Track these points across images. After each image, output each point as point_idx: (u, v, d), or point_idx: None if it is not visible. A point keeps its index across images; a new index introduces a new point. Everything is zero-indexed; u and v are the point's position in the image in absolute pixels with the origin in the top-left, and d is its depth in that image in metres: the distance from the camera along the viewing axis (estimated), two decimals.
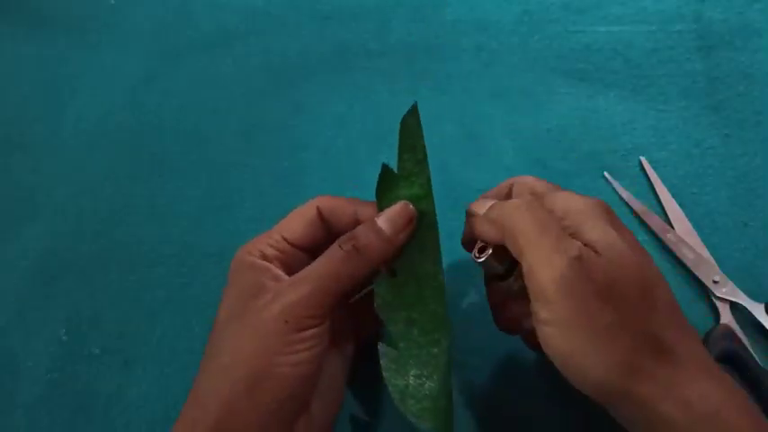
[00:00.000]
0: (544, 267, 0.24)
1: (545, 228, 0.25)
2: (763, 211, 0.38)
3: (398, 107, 0.43)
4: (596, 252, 0.24)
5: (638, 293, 0.24)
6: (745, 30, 0.44)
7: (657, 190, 0.38)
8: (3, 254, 0.39)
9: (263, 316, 0.25)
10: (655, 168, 0.39)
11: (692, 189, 0.39)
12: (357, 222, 0.29)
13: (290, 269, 0.28)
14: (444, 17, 0.46)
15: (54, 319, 0.37)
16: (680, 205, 0.38)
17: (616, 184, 0.39)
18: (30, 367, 0.35)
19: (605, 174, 0.39)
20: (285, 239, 0.29)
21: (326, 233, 0.30)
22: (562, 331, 0.23)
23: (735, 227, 0.37)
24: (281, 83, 0.44)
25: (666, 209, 0.38)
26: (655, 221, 0.37)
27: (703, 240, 0.36)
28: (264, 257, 0.28)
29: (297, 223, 0.29)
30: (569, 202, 0.26)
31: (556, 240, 0.24)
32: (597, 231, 0.25)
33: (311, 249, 0.29)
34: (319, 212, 0.29)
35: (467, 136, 0.42)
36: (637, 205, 0.38)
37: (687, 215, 0.37)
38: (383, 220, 0.28)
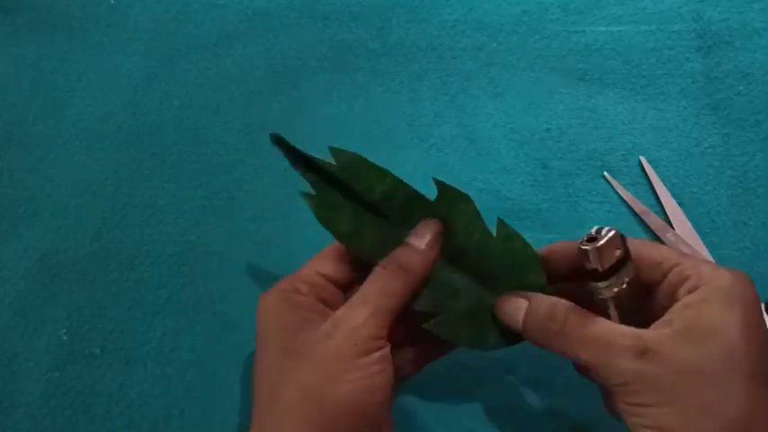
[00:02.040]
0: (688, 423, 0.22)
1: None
2: (763, 211, 0.38)
3: (398, 107, 0.43)
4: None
5: None
6: (744, 29, 0.44)
7: (657, 189, 0.39)
8: (3, 254, 0.39)
9: (327, 345, 0.25)
10: (654, 168, 0.39)
11: (691, 188, 0.39)
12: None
13: (328, 304, 0.28)
14: (444, 17, 0.46)
15: (54, 318, 0.37)
16: (679, 205, 0.38)
17: (616, 184, 0.39)
18: (30, 367, 0.36)
19: (605, 173, 0.40)
20: (320, 274, 0.29)
21: (357, 270, 0.29)
22: None
23: (734, 226, 0.37)
24: (281, 83, 0.44)
25: (666, 208, 0.38)
26: (654, 221, 0.37)
27: (703, 240, 0.37)
28: (299, 293, 0.28)
29: (329, 258, 0.29)
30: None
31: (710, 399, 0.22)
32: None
33: (344, 284, 0.29)
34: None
35: (466, 136, 0.42)
36: (636, 205, 0.38)
37: (687, 215, 0.37)
38: (414, 239, 0.28)
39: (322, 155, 0.43)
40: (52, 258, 0.39)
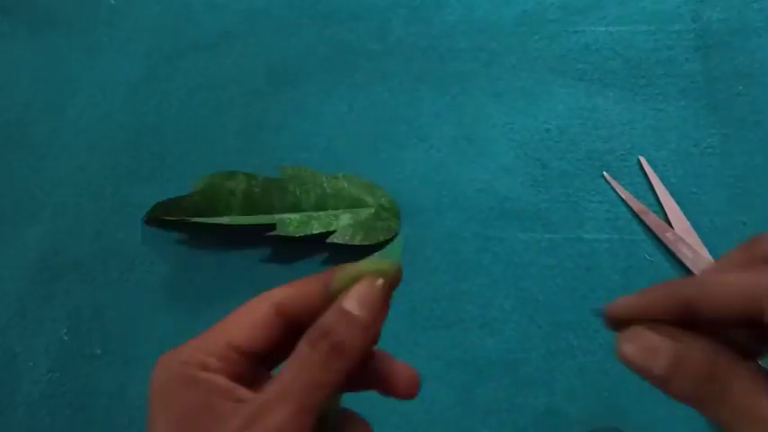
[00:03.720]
0: None
1: None
2: (762, 211, 0.38)
3: (398, 107, 0.43)
4: None
5: None
6: (743, 29, 0.44)
7: (656, 189, 0.39)
8: (3, 254, 0.39)
9: None
10: (653, 168, 0.39)
11: (690, 188, 0.39)
12: (328, 303, 0.23)
13: (240, 381, 0.22)
14: (444, 17, 0.46)
15: (54, 318, 0.37)
16: (679, 204, 0.38)
17: (615, 184, 0.39)
18: (30, 367, 0.36)
19: (604, 173, 0.40)
20: (231, 345, 0.23)
21: (285, 330, 0.23)
22: None
23: (733, 226, 0.37)
24: (281, 83, 0.44)
25: (665, 208, 0.38)
26: (653, 221, 0.37)
27: (702, 239, 0.37)
28: (206, 369, 0.22)
29: (246, 326, 0.23)
30: None
31: None
32: None
33: (264, 354, 0.23)
34: (277, 311, 0.23)
35: (466, 136, 0.42)
36: (636, 205, 0.38)
37: (686, 214, 0.38)
38: (353, 305, 0.22)
39: (322, 155, 0.43)
40: (52, 258, 0.39)
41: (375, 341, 0.23)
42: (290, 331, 0.23)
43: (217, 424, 0.20)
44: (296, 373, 0.21)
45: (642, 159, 0.40)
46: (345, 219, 0.38)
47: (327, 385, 0.21)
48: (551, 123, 0.42)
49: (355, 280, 0.23)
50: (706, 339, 0.19)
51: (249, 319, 0.23)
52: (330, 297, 0.23)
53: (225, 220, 0.38)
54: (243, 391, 0.22)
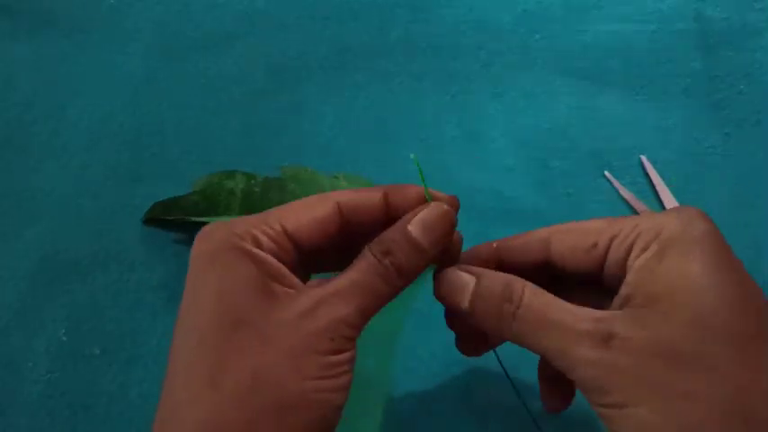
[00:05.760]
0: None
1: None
2: (764, 210, 0.38)
3: (398, 107, 0.43)
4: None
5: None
6: (745, 29, 0.44)
7: (658, 189, 0.38)
8: (3, 254, 0.39)
9: (300, 330, 0.20)
10: (655, 167, 0.39)
11: (692, 188, 0.39)
12: (384, 215, 0.24)
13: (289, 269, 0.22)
14: (444, 17, 0.46)
15: (54, 318, 0.37)
16: (680, 204, 0.38)
17: (617, 184, 0.39)
18: (30, 367, 0.35)
19: (606, 173, 0.39)
20: (286, 232, 0.22)
21: (340, 233, 0.24)
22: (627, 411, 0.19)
23: (735, 226, 0.37)
24: (281, 83, 0.44)
25: (667, 207, 0.38)
26: None
27: None
28: (260, 247, 0.22)
29: (306, 218, 0.23)
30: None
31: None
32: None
33: (312, 250, 0.23)
34: (339, 211, 0.23)
35: (467, 136, 0.42)
36: (637, 204, 0.38)
37: None
38: (418, 229, 0.22)
39: (322, 155, 0.43)
40: (52, 258, 0.39)
41: (438, 260, 0.24)
42: (343, 234, 0.23)
43: (272, 305, 0.20)
44: (361, 277, 0.21)
45: (644, 159, 0.40)
46: None
47: (385, 297, 0.22)
48: (552, 123, 0.42)
49: (420, 200, 0.24)
50: (499, 272, 0.23)
51: (309, 213, 0.23)
52: (390, 211, 0.24)
53: (225, 219, 0.38)
54: (294, 279, 0.22)
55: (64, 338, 0.36)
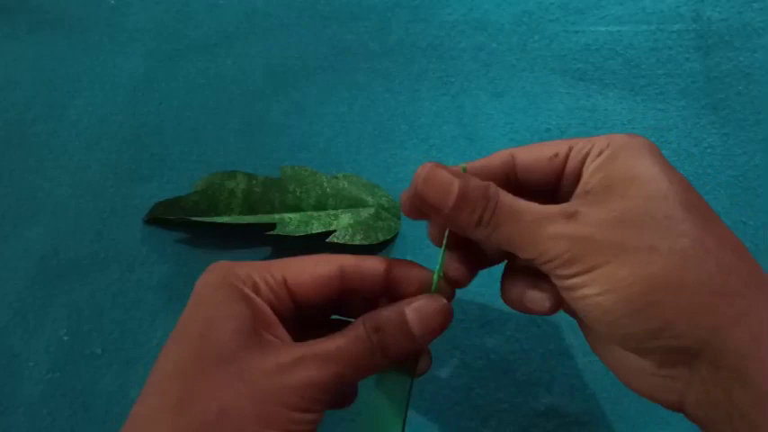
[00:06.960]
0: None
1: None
2: (763, 211, 0.38)
3: (398, 107, 0.43)
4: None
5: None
6: (744, 29, 0.44)
7: None
8: (3, 254, 0.39)
9: (274, 383, 0.21)
10: None
11: None
12: (383, 287, 0.25)
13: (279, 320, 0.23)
14: (444, 17, 0.46)
15: (54, 318, 0.37)
16: None
17: None
18: (30, 367, 0.36)
19: None
20: (286, 283, 0.24)
21: (339, 295, 0.25)
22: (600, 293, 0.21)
23: (734, 226, 0.37)
24: (281, 83, 0.44)
25: None
26: None
27: None
28: (257, 293, 0.23)
29: (308, 274, 0.24)
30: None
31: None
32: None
33: (310, 307, 0.24)
34: (341, 274, 0.24)
35: (467, 136, 0.42)
36: None
37: None
38: (414, 316, 0.23)
39: (322, 155, 0.43)
40: (52, 258, 0.39)
41: (423, 349, 0.25)
42: (341, 296, 0.24)
43: (255, 350, 0.21)
44: (348, 345, 0.22)
45: None
46: (345, 218, 0.38)
47: (364, 370, 0.22)
48: (552, 123, 0.42)
49: (422, 286, 0.24)
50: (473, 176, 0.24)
51: (312, 269, 0.24)
52: (390, 284, 0.25)
53: (225, 219, 0.38)
54: (283, 331, 0.23)
55: (64, 338, 0.36)
